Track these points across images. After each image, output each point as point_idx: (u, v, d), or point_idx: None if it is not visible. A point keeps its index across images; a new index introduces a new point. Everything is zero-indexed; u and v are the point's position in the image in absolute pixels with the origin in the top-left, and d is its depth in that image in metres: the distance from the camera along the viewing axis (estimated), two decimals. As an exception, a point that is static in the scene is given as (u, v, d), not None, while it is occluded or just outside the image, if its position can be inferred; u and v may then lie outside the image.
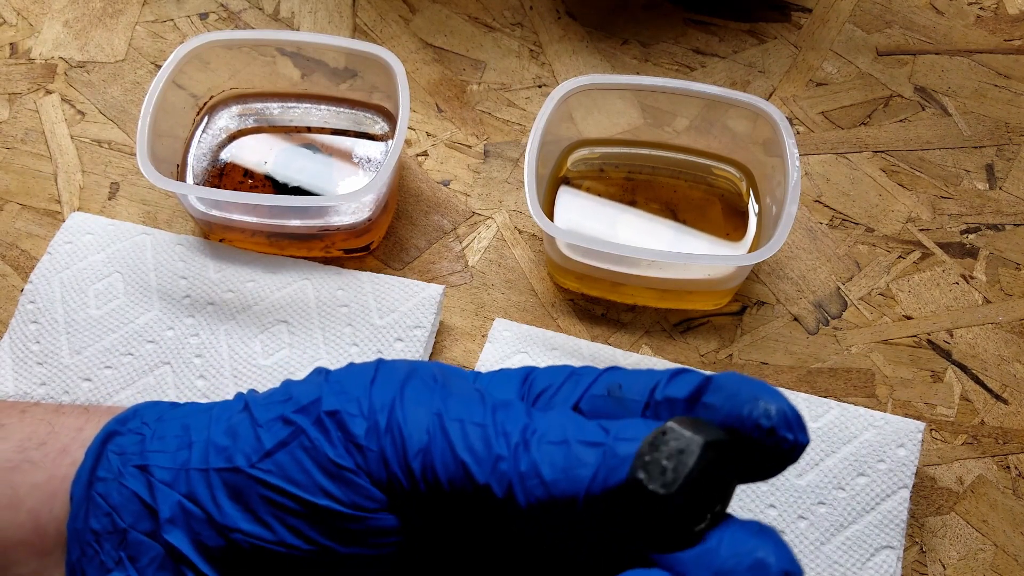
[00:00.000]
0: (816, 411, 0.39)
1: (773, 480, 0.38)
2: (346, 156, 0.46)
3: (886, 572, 0.37)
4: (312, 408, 0.26)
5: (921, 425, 0.39)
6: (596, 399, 0.25)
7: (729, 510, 0.37)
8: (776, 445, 0.21)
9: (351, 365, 0.28)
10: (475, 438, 0.24)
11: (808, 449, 0.38)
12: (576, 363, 0.40)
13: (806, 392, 0.41)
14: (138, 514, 0.27)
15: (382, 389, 0.26)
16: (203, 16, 0.51)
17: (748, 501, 0.38)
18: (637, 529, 0.21)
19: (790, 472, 0.38)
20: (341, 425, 0.25)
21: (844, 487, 0.38)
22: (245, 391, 0.31)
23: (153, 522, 0.27)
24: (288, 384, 0.28)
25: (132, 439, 0.28)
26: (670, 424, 0.21)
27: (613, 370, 0.25)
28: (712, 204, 0.45)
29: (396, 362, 0.27)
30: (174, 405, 0.30)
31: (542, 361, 0.40)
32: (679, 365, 0.25)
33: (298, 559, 0.26)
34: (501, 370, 0.28)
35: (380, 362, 0.27)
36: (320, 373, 0.28)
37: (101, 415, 0.30)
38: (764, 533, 0.21)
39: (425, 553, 0.27)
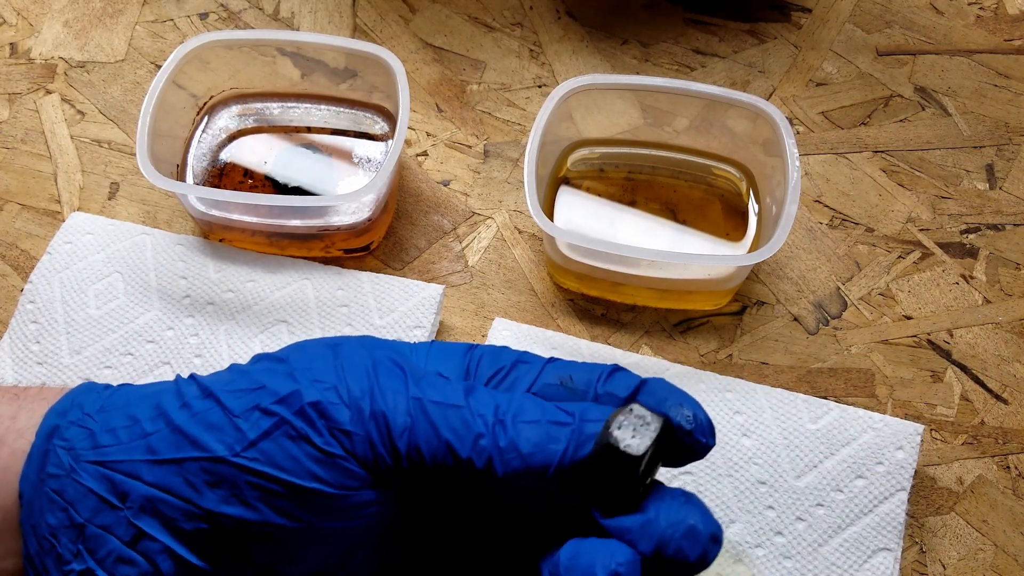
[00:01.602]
0: (815, 412, 0.39)
1: (772, 482, 0.38)
2: (346, 156, 0.46)
3: (883, 574, 0.37)
4: (292, 399, 0.27)
5: (920, 428, 0.39)
6: (550, 387, 0.29)
7: (733, 510, 0.37)
8: (692, 444, 0.27)
9: (302, 348, 0.29)
10: (454, 418, 0.27)
11: (807, 451, 0.38)
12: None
13: (806, 392, 0.41)
14: (96, 509, 0.27)
15: (355, 377, 0.28)
16: (203, 16, 0.51)
17: (747, 502, 0.38)
18: (598, 489, 0.26)
19: (788, 473, 0.38)
20: (324, 414, 0.27)
21: (842, 489, 0.38)
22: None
23: (113, 515, 0.27)
24: (246, 371, 0.29)
25: (79, 433, 0.29)
26: (634, 405, 0.26)
27: (555, 361, 0.29)
28: (712, 204, 0.45)
29: (349, 344, 0.29)
30: (108, 388, 0.31)
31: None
32: (615, 363, 0.29)
33: (276, 534, 0.27)
34: (439, 342, 0.31)
35: (333, 345, 0.29)
36: (269, 359, 0.29)
37: (32, 401, 0.30)
38: (691, 502, 0.26)
39: (401, 522, 0.29)
